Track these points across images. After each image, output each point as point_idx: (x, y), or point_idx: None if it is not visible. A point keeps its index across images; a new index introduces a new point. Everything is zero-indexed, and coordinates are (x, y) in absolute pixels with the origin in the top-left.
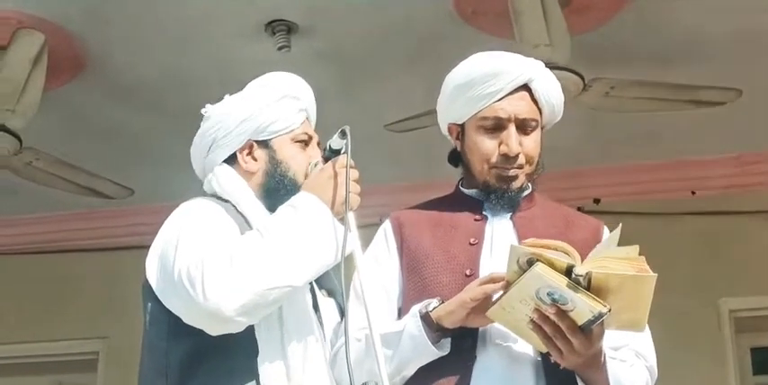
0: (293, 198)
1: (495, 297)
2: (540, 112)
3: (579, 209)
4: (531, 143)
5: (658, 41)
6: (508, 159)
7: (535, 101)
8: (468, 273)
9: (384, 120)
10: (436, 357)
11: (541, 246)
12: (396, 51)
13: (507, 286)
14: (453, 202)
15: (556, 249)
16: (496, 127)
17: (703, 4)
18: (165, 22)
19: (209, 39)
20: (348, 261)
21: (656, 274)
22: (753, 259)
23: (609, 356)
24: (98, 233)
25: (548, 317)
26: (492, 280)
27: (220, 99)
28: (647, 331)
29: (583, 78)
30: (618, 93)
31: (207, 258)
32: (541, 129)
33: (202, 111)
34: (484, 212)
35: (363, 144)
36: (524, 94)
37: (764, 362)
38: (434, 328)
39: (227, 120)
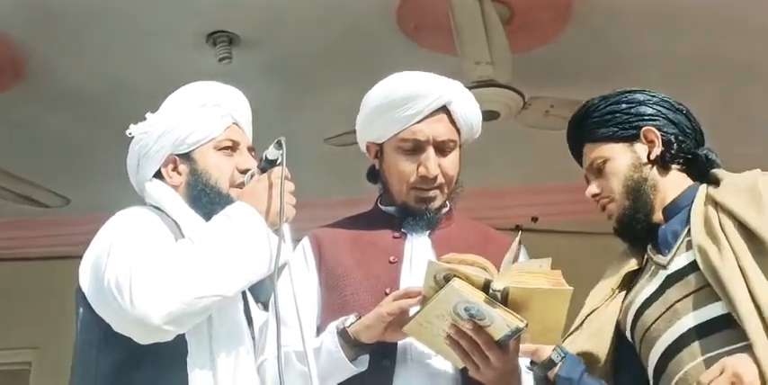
0: (228, 207)
1: (411, 312)
2: (459, 133)
3: (517, 227)
4: (450, 164)
5: (599, 61)
6: (426, 181)
7: (453, 121)
8: (387, 291)
9: (324, 133)
10: (354, 373)
11: (459, 262)
12: (338, 65)
13: (424, 301)
14: (372, 220)
15: (473, 264)
16: (415, 149)
17: (644, 25)
18: (106, 31)
19: (150, 49)
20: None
21: (572, 288)
22: None
23: (524, 371)
24: (33, 242)
25: (464, 332)
26: (407, 294)
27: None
28: None
29: (523, 97)
30: (557, 111)
31: (136, 267)
32: (459, 147)
33: (127, 132)
34: (402, 230)
35: (303, 158)
36: (443, 116)
37: None
38: (352, 344)
39: (146, 138)
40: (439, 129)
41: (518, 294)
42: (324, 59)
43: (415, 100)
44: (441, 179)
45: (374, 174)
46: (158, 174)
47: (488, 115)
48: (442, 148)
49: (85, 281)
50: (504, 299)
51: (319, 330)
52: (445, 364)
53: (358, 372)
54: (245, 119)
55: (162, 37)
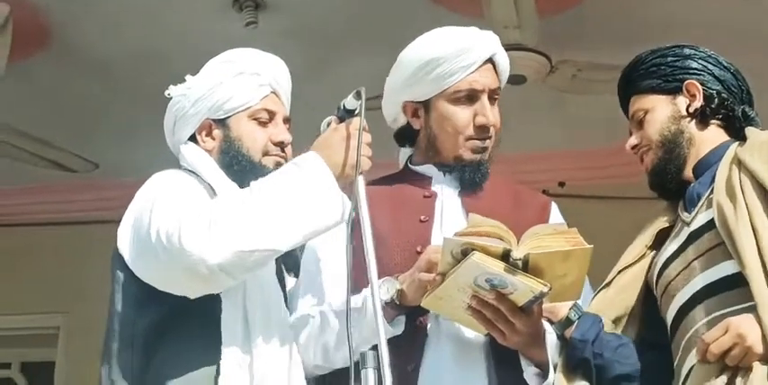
0: (299, 156)
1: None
2: (500, 85)
3: (544, 192)
4: (497, 114)
5: (626, 24)
6: (484, 129)
7: (497, 73)
8: (419, 249)
9: None
10: (391, 336)
11: (475, 233)
12: (364, 29)
13: (442, 277)
14: (402, 180)
15: (488, 235)
16: (471, 98)
17: None
18: None
19: (175, 13)
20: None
21: (592, 245)
22: None
23: (547, 331)
24: (61, 207)
25: (486, 301)
26: (429, 263)
27: (185, 74)
28: (590, 291)
29: (550, 60)
30: (585, 75)
31: (184, 216)
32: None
33: (166, 93)
34: (433, 189)
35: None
36: (490, 66)
37: None
38: (392, 306)
39: (183, 100)
40: (490, 78)
41: (539, 259)
42: (349, 24)
43: (468, 52)
44: (492, 130)
45: (405, 135)
46: (193, 138)
47: (515, 79)
48: (492, 98)
49: (125, 242)
50: (524, 266)
51: (357, 287)
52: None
53: (395, 335)
54: (284, 89)
55: (188, 2)
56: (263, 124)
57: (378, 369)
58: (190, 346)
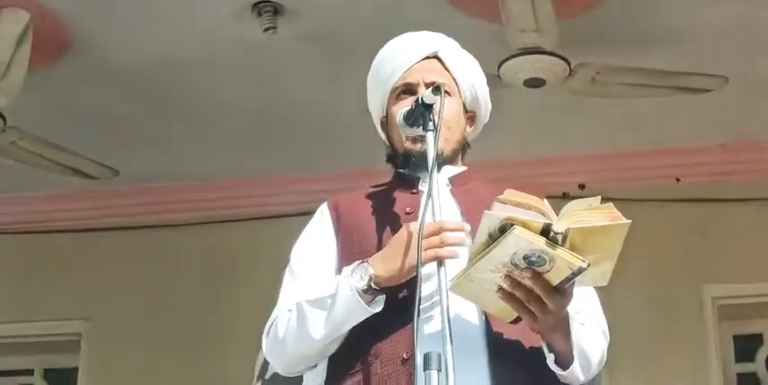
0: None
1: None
2: (457, 85)
3: (564, 194)
4: (446, 107)
5: (645, 27)
6: None
7: (447, 69)
8: None
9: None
10: (370, 315)
11: (516, 204)
12: (383, 34)
13: (472, 259)
14: (391, 184)
15: (529, 208)
16: (409, 93)
17: None
18: (150, 3)
19: (194, 20)
20: None
21: (630, 220)
22: (736, 246)
23: (571, 319)
24: (81, 214)
25: (519, 282)
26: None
27: (205, 81)
28: (595, 297)
29: (569, 63)
30: (604, 78)
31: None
32: (467, 112)
33: None
34: (420, 187)
35: (347, 128)
36: (434, 61)
37: (746, 349)
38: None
39: None
40: (430, 70)
41: (578, 234)
42: (368, 29)
43: (403, 51)
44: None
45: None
46: None
47: (534, 82)
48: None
49: None
50: (563, 241)
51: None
52: (468, 310)
53: (373, 313)
54: None
55: (206, 8)
56: None
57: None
58: None
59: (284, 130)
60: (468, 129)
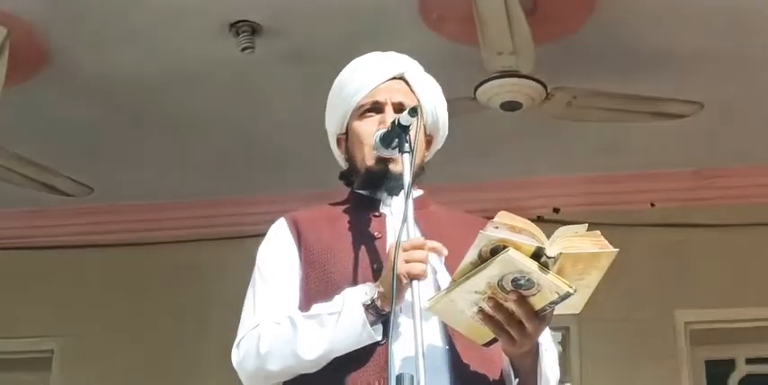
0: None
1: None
2: (420, 107)
3: (539, 217)
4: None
5: (622, 53)
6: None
7: (413, 91)
8: (375, 267)
9: None
10: (370, 342)
11: (510, 226)
12: (360, 55)
13: (457, 278)
14: (348, 203)
15: (521, 232)
16: (374, 110)
17: (668, 17)
18: (129, 20)
19: (172, 38)
20: None
21: (617, 249)
22: (709, 272)
23: (547, 349)
24: (56, 231)
25: (501, 305)
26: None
27: (183, 98)
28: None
29: (545, 87)
30: (580, 102)
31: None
32: (426, 135)
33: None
34: (382, 210)
35: (327, 146)
36: (400, 82)
37: (718, 375)
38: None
39: None
40: (400, 92)
41: (569, 259)
42: (345, 49)
43: (371, 69)
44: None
45: (345, 174)
46: None
47: (511, 106)
48: (401, 111)
49: None
50: (552, 265)
51: (302, 304)
52: (433, 335)
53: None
54: None
55: (185, 26)
56: None
57: None
58: None
59: (258, 150)
60: (426, 153)
